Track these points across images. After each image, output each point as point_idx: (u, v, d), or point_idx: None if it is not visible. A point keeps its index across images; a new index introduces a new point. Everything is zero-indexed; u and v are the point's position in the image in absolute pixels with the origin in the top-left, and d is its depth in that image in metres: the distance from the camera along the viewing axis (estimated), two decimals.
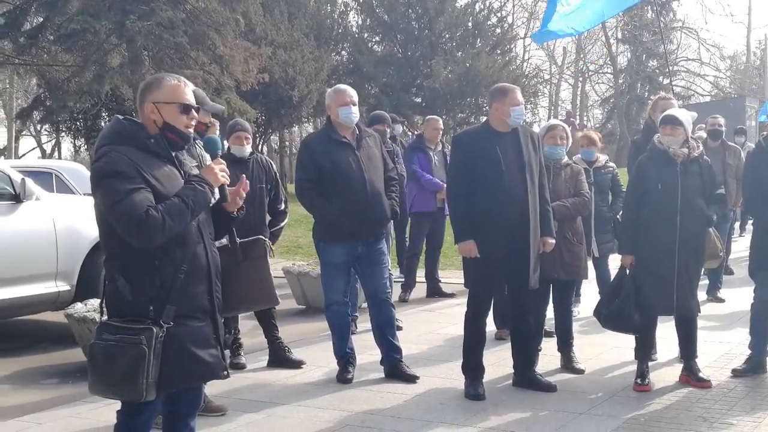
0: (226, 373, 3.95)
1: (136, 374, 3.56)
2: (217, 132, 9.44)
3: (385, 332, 6.64)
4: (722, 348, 7.28)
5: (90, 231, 8.04)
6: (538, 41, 13.78)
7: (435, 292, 10.46)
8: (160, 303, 3.65)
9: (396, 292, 9.23)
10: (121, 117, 3.88)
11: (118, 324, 3.64)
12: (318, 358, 7.19)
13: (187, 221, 3.69)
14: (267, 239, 4.40)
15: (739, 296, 8.79)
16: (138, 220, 3.53)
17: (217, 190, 3.89)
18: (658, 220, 6.10)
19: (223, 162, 3.94)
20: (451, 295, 10.22)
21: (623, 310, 6.13)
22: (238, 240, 4.07)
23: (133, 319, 3.63)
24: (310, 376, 6.79)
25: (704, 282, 8.36)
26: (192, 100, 3.86)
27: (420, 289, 10.66)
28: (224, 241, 4.18)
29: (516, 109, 6.02)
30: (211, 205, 3.86)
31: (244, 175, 4.04)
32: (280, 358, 7.12)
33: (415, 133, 10.63)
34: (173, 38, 22.80)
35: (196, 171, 3.90)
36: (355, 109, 6.47)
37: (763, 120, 18.24)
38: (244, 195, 4.02)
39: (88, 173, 12.49)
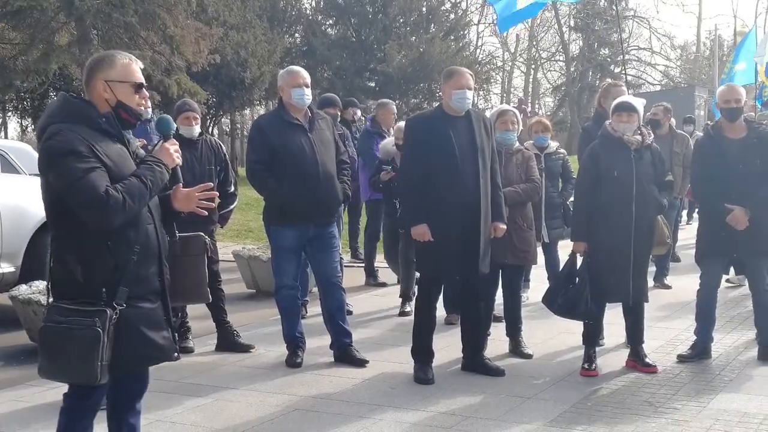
0: (177, 355, 3.93)
1: (91, 357, 3.51)
2: (150, 110, 9.34)
3: (335, 316, 6.62)
4: (668, 334, 7.37)
5: (36, 212, 7.92)
6: (502, 28, 14.21)
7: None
8: (113, 284, 3.60)
9: (354, 277, 9.22)
10: (69, 94, 3.81)
11: (70, 306, 3.58)
12: (267, 342, 7.16)
13: (146, 201, 3.67)
14: (207, 237, 4.33)
15: (685, 283, 8.91)
16: (99, 200, 3.48)
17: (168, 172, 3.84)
18: (613, 208, 6.13)
19: (177, 143, 3.91)
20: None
21: (578, 299, 6.16)
22: (177, 234, 4.02)
23: (84, 301, 3.58)
24: (259, 361, 6.75)
25: (651, 269, 8.44)
26: (142, 79, 3.82)
27: (381, 274, 10.50)
28: None
29: (457, 93, 6.00)
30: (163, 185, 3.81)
31: (217, 194, 3.99)
32: (228, 342, 7.07)
33: (367, 117, 10.53)
34: (123, 17, 22.43)
35: (141, 151, 3.86)
36: (308, 91, 6.41)
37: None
38: (197, 200, 3.95)
39: (34, 153, 12.26)
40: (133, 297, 3.65)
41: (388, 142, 8.55)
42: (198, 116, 6.99)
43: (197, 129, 6.93)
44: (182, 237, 4.05)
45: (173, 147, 3.85)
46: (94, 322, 3.51)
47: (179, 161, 3.87)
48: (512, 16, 11.49)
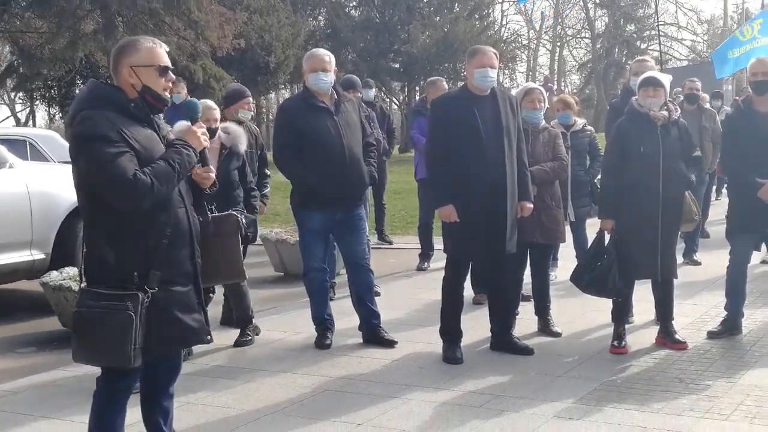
0: (209, 337, 3.98)
1: (125, 341, 3.56)
2: (184, 94, 9.58)
3: (364, 298, 6.64)
4: (698, 310, 7.33)
5: (65, 199, 7.98)
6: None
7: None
8: (145, 268, 3.64)
9: (381, 259, 9.22)
10: (98, 81, 3.84)
11: (102, 291, 3.62)
12: (296, 324, 7.19)
13: (174, 184, 3.70)
14: (240, 215, 4.39)
15: (715, 259, 8.83)
16: (127, 183, 3.52)
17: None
18: (640, 184, 6.08)
19: (204, 126, 3.94)
20: None
21: (606, 275, 6.13)
22: (210, 215, 4.06)
23: (116, 285, 3.62)
24: (289, 343, 6.78)
25: (680, 245, 8.41)
26: (168, 62, 3.83)
27: (407, 255, 10.60)
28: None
29: (479, 71, 5.96)
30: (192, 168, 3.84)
31: (210, 166, 4.01)
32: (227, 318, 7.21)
33: (418, 97, 10.48)
34: (147, 3, 22.57)
35: (171, 135, 3.88)
36: (325, 75, 6.36)
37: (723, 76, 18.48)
38: (212, 177, 3.99)
39: (62, 141, 12.40)
40: (164, 280, 3.69)
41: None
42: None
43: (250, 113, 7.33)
44: (214, 217, 4.10)
45: (200, 130, 3.87)
46: (126, 306, 3.56)
47: (207, 144, 3.90)
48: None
